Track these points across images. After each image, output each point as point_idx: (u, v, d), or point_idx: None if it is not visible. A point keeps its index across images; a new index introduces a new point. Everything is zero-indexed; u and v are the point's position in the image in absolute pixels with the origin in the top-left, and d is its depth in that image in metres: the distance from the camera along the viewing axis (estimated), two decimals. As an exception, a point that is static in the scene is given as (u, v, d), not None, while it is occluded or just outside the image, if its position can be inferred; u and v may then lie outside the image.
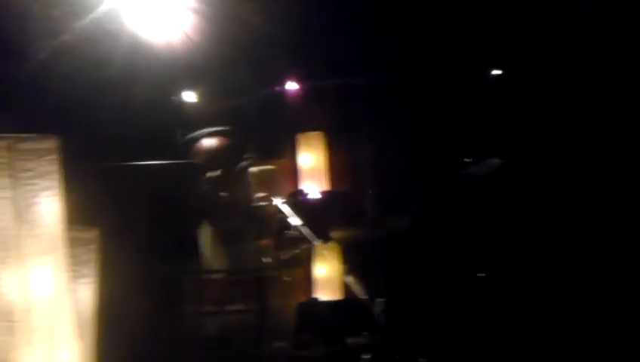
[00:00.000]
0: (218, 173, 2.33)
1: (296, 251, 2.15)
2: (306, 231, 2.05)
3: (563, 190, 2.96)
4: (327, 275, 2.75)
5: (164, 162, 2.38)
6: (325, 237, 2.46)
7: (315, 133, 3.08)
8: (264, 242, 2.25)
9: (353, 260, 2.76)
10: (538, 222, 2.96)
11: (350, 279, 2.60)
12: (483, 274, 2.94)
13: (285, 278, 2.28)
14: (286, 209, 2.10)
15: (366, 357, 2.17)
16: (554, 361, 2.69)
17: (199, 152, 2.37)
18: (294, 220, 2.07)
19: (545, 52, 3.01)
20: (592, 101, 2.95)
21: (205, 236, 2.33)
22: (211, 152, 2.36)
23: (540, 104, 3.04)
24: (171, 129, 2.64)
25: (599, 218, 2.87)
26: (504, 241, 2.97)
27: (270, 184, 2.16)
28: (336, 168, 3.09)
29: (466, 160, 3.15)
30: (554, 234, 2.92)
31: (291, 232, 2.07)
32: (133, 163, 2.26)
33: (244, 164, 2.25)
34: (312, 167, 3.04)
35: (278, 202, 2.12)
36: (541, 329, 2.74)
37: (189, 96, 2.82)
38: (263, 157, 2.46)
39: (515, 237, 2.97)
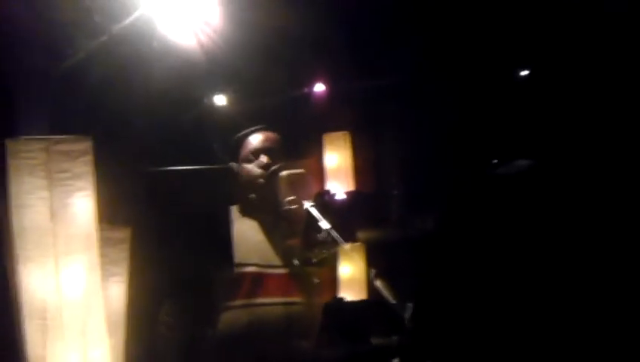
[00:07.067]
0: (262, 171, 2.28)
1: (325, 252, 2.15)
2: (333, 233, 2.05)
3: (595, 194, 2.90)
4: (352, 276, 2.76)
5: (196, 167, 2.38)
6: (351, 238, 2.46)
7: (341, 133, 3.08)
8: (292, 242, 2.25)
9: (379, 261, 2.75)
10: (568, 224, 2.91)
11: (377, 281, 2.60)
12: (509, 275, 2.90)
13: (315, 280, 2.27)
14: (314, 211, 2.11)
15: (394, 361, 2.17)
16: None
17: (249, 148, 2.34)
18: (323, 223, 2.07)
19: (576, 50, 2.96)
20: (624, 101, 2.89)
21: (238, 232, 2.31)
22: (266, 146, 2.33)
23: (571, 104, 3.00)
24: (201, 130, 2.66)
25: (633, 222, 2.81)
26: (531, 244, 2.94)
27: (300, 187, 2.15)
28: (362, 168, 3.09)
29: (494, 161, 3.12)
30: (583, 238, 2.87)
31: (320, 234, 2.08)
32: (167, 168, 2.27)
33: (275, 166, 2.25)
34: (338, 167, 3.04)
35: (307, 205, 2.12)
36: (587, 335, 2.68)
37: (219, 99, 2.84)
38: (290, 158, 2.46)
39: (543, 240, 2.93)
